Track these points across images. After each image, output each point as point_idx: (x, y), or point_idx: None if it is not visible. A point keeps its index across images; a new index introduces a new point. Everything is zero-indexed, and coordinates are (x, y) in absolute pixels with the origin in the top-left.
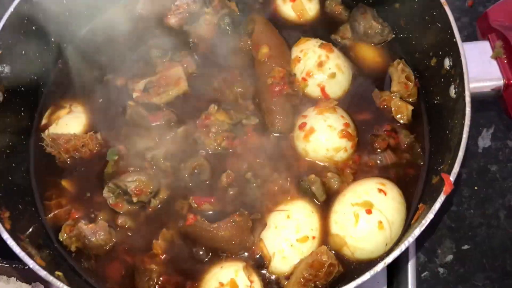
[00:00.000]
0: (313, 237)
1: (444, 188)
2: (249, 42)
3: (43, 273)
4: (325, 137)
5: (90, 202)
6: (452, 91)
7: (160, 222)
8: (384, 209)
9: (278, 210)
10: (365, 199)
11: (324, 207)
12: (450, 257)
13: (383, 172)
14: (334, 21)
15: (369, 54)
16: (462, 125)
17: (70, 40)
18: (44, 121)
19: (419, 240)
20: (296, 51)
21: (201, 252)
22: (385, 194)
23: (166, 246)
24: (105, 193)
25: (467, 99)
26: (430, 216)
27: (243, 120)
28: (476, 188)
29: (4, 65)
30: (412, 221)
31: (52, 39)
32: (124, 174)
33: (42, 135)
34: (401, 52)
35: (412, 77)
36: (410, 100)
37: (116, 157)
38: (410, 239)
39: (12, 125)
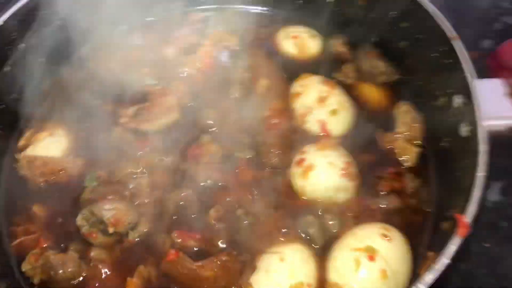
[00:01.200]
0: (309, 285)
1: (459, 230)
2: (247, 75)
3: None
4: (325, 175)
5: (62, 231)
6: (462, 130)
7: (138, 258)
8: (389, 256)
9: (270, 252)
10: (368, 244)
11: (322, 252)
12: None
13: (387, 218)
14: (337, 60)
15: (373, 94)
16: (475, 164)
17: (60, 63)
18: (22, 142)
19: None
20: (296, 86)
21: None
22: (390, 240)
23: (142, 285)
24: (79, 220)
25: (481, 135)
26: (444, 261)
27: (236, 152)
28: (486, 245)
29: None
30: (421, 270)
31: (41, 60)
32: (102, 201)
33: (17, 156)
34: (407, 92)
35: (418, 119)
36: (416, 142)
37: (95, 183)
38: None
39: None
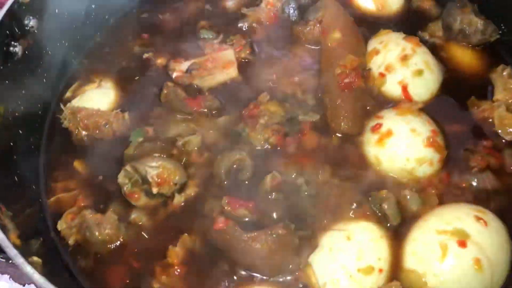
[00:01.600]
0: (380, 270)
1: None
2: (318, 26)
3: (13, 252)
4: (406, 143)
5: (102, 190)
6: None
7: (182, 224)
8: (485, 244)
9: (335, 229)
10: (457, 226)
11: (398, 233)
12: None
13: (480, 199)
14: (422, 17)
15: (465, 56)
16: None
17: (113, 12)
18: (68, 94)
19: None
20: (374, 43)
21: (228, 269)
22: (486, 225)
23: (184, 255)
24: (121, 178)
25: None
26: None
27: (299, 115)
28: None
29: (31, 17)
30: None
31: (93, 6)
32: (147, 158)
33: (62, 106)
34: (508, 56)
35: None
36: None
37: (141, 139)
38: None
39: (29, 89)
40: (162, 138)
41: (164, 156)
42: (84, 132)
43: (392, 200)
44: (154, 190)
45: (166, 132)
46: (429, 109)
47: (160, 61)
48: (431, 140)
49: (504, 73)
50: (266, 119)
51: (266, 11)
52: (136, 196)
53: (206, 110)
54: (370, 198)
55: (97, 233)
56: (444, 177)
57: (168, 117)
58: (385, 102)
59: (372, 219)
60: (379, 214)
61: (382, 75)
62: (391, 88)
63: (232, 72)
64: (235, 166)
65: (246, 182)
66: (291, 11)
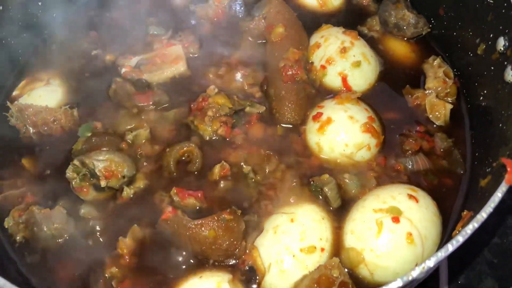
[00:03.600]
0: (322, 249)
1: (506, 176)
2: (262, 22)
3: None
4: (344, 129)
5: (51, 186)
6: (510, 74)
7: (132, 216)
8: (416, 219)
9: (280, 212)
10: (392, 204)
11: (338, 214)
12: None
13: (414, 180)
14: (361, 13)
15: (400, 49)
16: None
17: (61, 10)
18: (16, 92)
19: (452, 274)
20: (316, 37)
21: (178, 257)
22: (417, 201)
23: (134, 246)
24: (69, 172)
25: None
26: (482, 216)
27: (246, 107)
28: None
29: None
30: (453, 233)
31: (40, 3)
32: (95, 152)
33: (9, 104)
34: (438, 48)
35: (451, 74)
36: (449, 99)
37: (89, 134)
38: (450, 246)
39: None
40: (110, 132)
41: (113, 149)
42: (32, 130)
43: (332, 184)
44: (102, 183)
45: (115, 126)
46: (367, 98)
47: (109, 57)
48: (367, 126)
49: (435, 63)
50: (214, 111)
51: (213, 8)
52: (85, 190)
53: (154, 104)
54: (312, 183)
55: (45, 228)
56: (381, 161)
57: (117, 112)
58: (326, 93)
59: (315, 202)
60: (322, 197)
61: (323, 67)
62: (332, 79)
63: (180, 67)
64: (183, 157)
65: (195, 173)
66: (238, 8)
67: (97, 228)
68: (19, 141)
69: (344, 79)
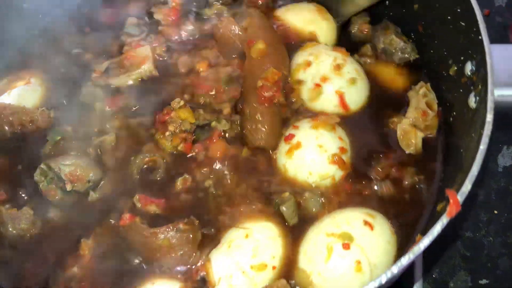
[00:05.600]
0: (273, 267)
1: (448, 209)
2: (240, 33)
3: None
4: (311, 157)
5: (21, 186)
6: (472, 100)
7: (96, 220)
8: (368, 247)
9: (236, 226)
10: (345, 230)
11: (295, 233)
12: None
13: (376, 204)
14: (354, 42)
15: (388, 73)
16: (480, 136)
17: (46, 11)
18: None
19: (426, 267)
20: (303, 55)
21: (136, 261)
22: (371, 229)
23: (95, 248)
24: (37, 176)
25: (489, 104)
26: (425, 241)
27: (212, 122)
28: (496, 212)
29: None
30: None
31: (25, 5)
32: (62, 156)
33: None
34: (423, 72)
35: (435, 106)
36: (428, 133)
37: (58, 138)
38: (394, 268)
39: None
40: (78, 137)
41: (80, 154)
42: (7, 128)
43: (291, 201)
44: (68, 187)
45: (84, 131)
46: (350, 121)
47: (87, 57)
48: (336, 158)
49: (420, 92)
50: (175, 126)
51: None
52: (52, 193)
53: (122, 110)
54: (273, 200)
55: (11, 228)
56: (347, 187)
57: (86, 116)
58: (306, 112)
59: (273, 220)
60: (280, 214)
61: (318, 85)
62: (328, 98)
63: (148, 68)
64: (147, 166)
65: (158, 182)
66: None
67: (62, 229)
68: None
69: (341, 97)
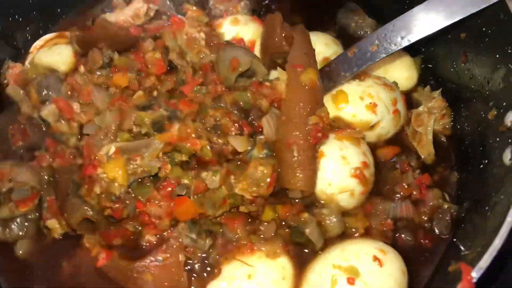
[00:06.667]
0: None
1: (460, 285)
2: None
3: None
4: (333, 168)
5: None
6: (508, 156)
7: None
8: (373, 284)
9: (240, 260)
10: (352, 264)
11: (304, 260)
12: None
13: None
14: None
15: None
16: (510, 204)
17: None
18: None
19: None
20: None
21: None
22: (381, 265)
23: None
24: None
25: None
26: None
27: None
28: None
29: None
30: None
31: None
32: None
33: None
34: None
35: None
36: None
37: None
38: None
39: None
40: None
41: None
42: None
43: (313, 223)
44: None
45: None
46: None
47: None
48: (357, 172)
49: (425, 89)
50: (102, 188)
51: None
52: None
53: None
54: (292, 227)
55: None
56: (368, 207)
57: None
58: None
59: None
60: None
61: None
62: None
63: None
64: None
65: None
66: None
67: None
68: None
69: None
